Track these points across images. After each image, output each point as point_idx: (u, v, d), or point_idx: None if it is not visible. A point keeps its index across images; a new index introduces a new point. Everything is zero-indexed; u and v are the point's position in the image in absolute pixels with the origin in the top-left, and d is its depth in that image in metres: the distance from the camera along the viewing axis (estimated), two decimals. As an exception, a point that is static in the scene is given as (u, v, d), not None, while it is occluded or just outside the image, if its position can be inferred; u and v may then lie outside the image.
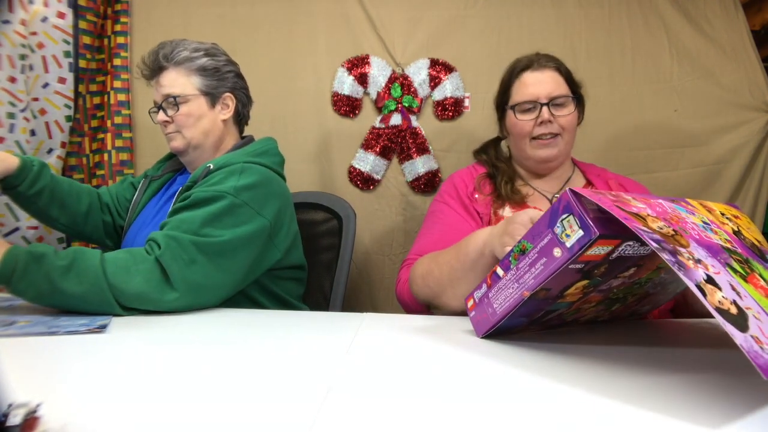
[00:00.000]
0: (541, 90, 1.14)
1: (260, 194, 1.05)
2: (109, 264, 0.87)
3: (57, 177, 1.15)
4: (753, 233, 0.73)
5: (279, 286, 1.16)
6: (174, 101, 1.14)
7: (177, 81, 1.15)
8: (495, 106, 1.29)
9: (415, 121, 1.75)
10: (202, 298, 0.95)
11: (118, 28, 1.70)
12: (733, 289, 0.52)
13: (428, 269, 0.99)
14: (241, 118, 1.26)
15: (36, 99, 1.52)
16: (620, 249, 0.60)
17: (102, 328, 0.77)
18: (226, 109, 1.21)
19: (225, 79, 1.20)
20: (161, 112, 1.16)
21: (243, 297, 1.08)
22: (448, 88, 1.73)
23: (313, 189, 1.68)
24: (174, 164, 1.29)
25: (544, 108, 1.12)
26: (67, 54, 1.56)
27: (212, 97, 1.18)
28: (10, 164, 1.05)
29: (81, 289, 0.84)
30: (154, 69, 1.16)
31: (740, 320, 0.48)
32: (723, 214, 0.72)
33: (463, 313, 0.79)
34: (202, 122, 1.17)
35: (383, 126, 1.74)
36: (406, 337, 0.76)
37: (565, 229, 0.60)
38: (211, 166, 1.07)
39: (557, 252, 0.61)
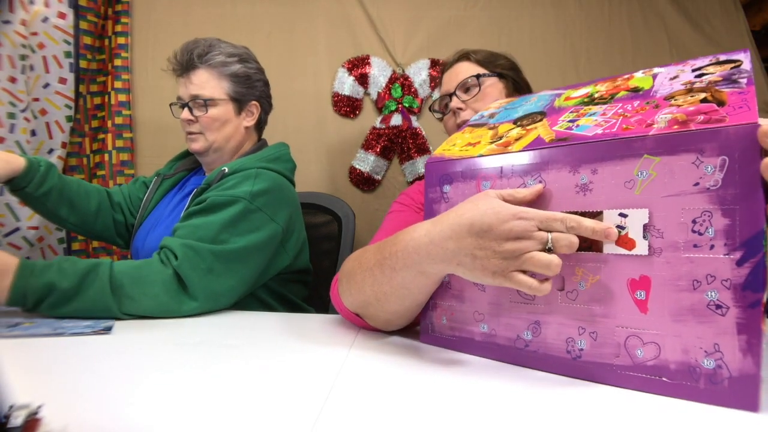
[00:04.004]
0: (451, 83, 1.12)
1: (273, 200, 1.06)
2: (122, 276, 0.87)
3: (65, 177, 1.15)
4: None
5: (287, 288, 1.17)
6: (203, 103, 1.15)
7: (208, 83, 1.15)
8: None
9: (415, 122, 1.75)
10: (219, 304, 0.96)
11: (118, 28, 1.70)
12: None
13: (351, 270, 0.75)
14: (261, 124, 1.28)
15: (36, 99, 1.52)
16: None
17: (107, 330, 0.77)
18: (250, 116, 1.22)
19: (254, 87, 1.21)
20: (186, 110, 1.15)
21: (253, 299, 1.09)
22: (448, 88, 1.73)
23: (313, 189, 1.68)
24: (187, 163, 1.30)
25: (454, 97, 1.09)
26: (67, 54, 1.56)
27: (240, 103, 1.19)
28: (16, 165, 1.04)
29: (83, 306, 0.84)
30: (186, 66, 1.16)
31: None
32: None
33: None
34: (227, 127, 1.18)
35: (384, 126, 1.74)
36: (407, 338, 0.76)
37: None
38: (226, 170, 1.08)
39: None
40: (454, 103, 1.09)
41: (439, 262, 0.61)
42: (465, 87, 1.10)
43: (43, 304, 0.82)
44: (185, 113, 1.15)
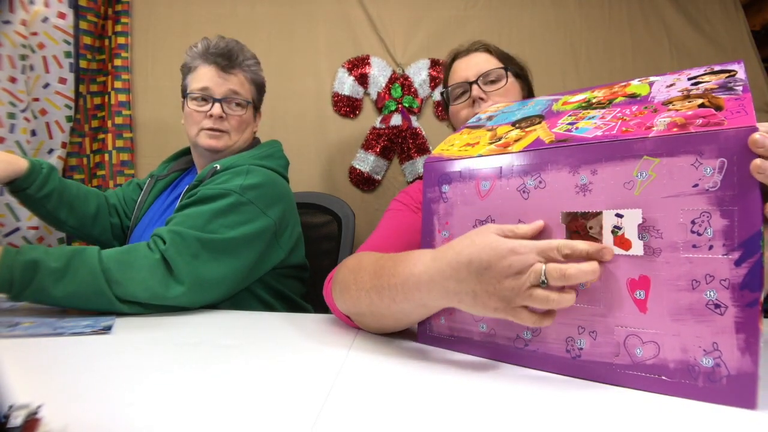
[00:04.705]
0: (470, 71, 1.06)
1: (265, 194, 1.06)
2: (109, 260, 0.87)
3: (65, 180, 1.16)
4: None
5: (283, 284, 1.17)
6: (244, 103, 1.17)
7: (245, 85, 1.18)
8: (443, 106, 1.22)
9: (415, 122, 1.75)
10: (207, 294, 0.95)
11: (118, 28, 1.70)
12: None
13: (345, 282, 0.75)
14: None
15: (36, 99, 1.52)
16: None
17: (107, 330, 0.77)
18: (254, 123, 1.26)
19: (263, 96, 1.27)
20: (218, 105, 1.14)
21: (249, 294, 1.09)
22: (448, 88, 1.74)
23: (313, 190, 1.68)
24: (180, 164, 1.30)
25: (474, 86, 1.04)
26: (67, 54, 1.56)
27: (255, 110, 1.24)
28: (19, 167, 1.05)
29: (75, 289, 0.83)
30: (231, 63, 1.16)
31: None
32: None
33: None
34: (247, 131, 1.22)
35: (383, 126, 1.74)
36: (407, 338, 0.76)
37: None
38: (218, 167, 1.08)
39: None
40: (477, 92, 1.03)
41: (439, 299, 0.61)
42: (489, 78, 1.05)
43: (31, 284, 0.81)
44: (217, 109, 1.13)
